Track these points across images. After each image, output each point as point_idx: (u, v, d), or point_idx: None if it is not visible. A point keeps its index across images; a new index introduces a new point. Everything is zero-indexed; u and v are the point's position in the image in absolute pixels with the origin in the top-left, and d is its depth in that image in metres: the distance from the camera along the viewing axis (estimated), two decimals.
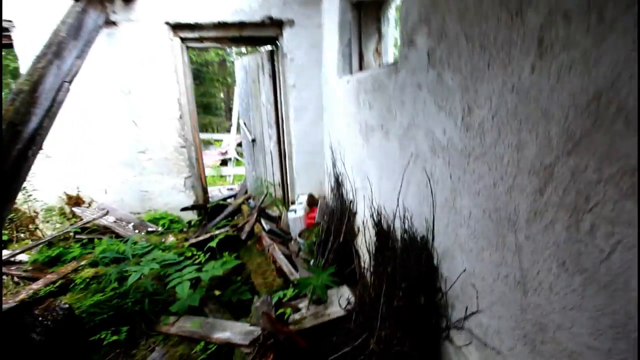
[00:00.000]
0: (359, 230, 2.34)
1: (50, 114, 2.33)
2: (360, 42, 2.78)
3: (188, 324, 2.17)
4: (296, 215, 3.32)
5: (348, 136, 2.59)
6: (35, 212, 3.91)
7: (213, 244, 2.71)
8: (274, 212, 3.89)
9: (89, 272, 2.89)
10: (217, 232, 3.29)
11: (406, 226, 1.50)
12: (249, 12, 3.44)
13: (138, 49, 3.48)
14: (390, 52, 2.76)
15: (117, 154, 3.76)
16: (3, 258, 3.20)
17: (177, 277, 2.20)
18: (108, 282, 2.53)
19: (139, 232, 3.62)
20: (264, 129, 4.11)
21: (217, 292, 2.53)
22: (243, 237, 3.24)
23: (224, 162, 8.65)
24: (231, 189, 5.88)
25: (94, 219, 3.55)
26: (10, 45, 3.55)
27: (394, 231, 1.66)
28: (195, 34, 3.56)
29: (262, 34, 3.60)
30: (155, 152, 3.75)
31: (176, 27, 3.50)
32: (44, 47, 2.37)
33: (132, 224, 3.71)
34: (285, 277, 2.53)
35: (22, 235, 3.90)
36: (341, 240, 2.38)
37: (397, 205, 1.60)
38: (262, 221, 3.60)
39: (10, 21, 3.36)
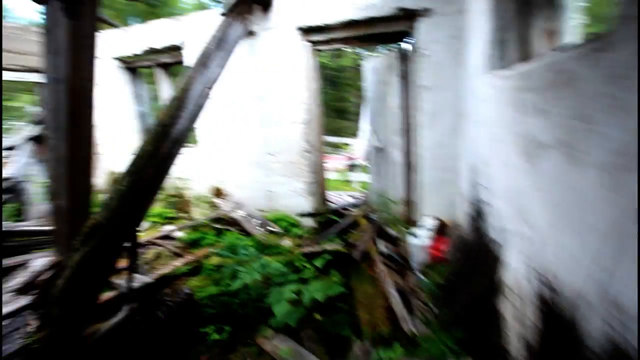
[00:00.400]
0: (507, 289, 1.65)
1: (193, 117, 2.57)
2: (521, 23, 2.01)
3: (281, 347, 2.00)
4: (419, 242, 2.78)
5: (498, 153, 1.90)
6: (190, 198, 4.66)
7: (319, 263, 2.47)
8: (393, 232, 3.43)
9: (215, 260, 3.15)
10: (328, 246, 3.08)
11: (620, 338, 0.83)
12: (379, 5, 3.08)
13: (271, 56, 3.63)
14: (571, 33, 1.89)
15: (251, 154, 4.06)
16: (167, 234, 3.88)
17: (277, 293, 2.06)
18: (223, 277, 2.66)
19: (261, 229, 3.80)
20: (391, 136, 3.69)
21: (317, 316, 2.30)
22: (355, 256, 2.92)
23: (351, 167, 8.64)
24: (354, 197, 5.70)
25: (227, 212, 3.92)
26: (180, 62, 4.32)
27: (582, 327, 0.98)
28: (325, 36, 3.47)
29: (393, 29, 3.19)
30: (282, 155, 3.87)
31: (307, 31, 3.49)
32: (197, 58, 2.65)
33: (258, 221, 3.94)
34: (395, 322, 2.06)
35: (184, 213, 4.73)
36: (477, 295, 1.75)
37: (599, 288, 0.93)
38: (379, 241, 3.20)
39: (182, 42, 4.07)
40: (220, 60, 2.88)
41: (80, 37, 1.91)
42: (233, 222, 3.88)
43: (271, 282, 2.33)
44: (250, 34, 3.62)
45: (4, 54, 3.86)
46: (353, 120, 13.36)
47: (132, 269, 2.25)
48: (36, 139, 4.77)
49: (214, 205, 4.37)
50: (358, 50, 12.39)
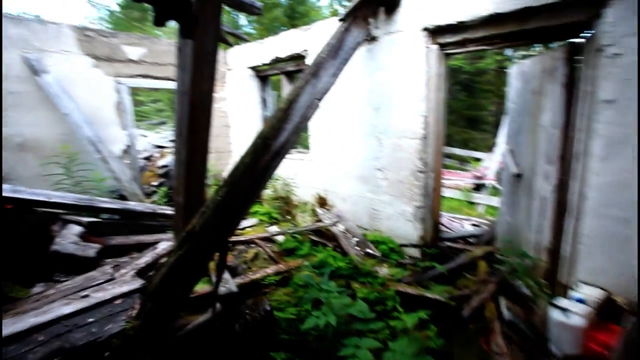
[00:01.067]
0: None
1: (298, 129, 2.46)
2: None
3: None
4: (567, 320, 1.95)
5: None
6: (294, 203, 4.75)
7: (410, 321, 1.97)
8: (526, 291, 2.59)
9: (305, 273, 3.04)
10: (430, 294, 2.53)
11: None
12: None
13: (391, 62, 3.25)
14: None
15: (358, 168, 3.79)
16: (269, 235, 4.03)
17: (353, 347, 1.72)
18: (304, 299, 2.48)
19: (359, 249, 3.50)
20: (539, 162, 2.80)
21: None
22: (465, 314, 2.30)
23: (478, 187, 7.40)
24: (475, 225, 4.76)
25: (327, 225, 3.78)
26: (303, 70, 4.39)
27: None
28: (457, 37, 2.85)
29: (559, 22, 2.34)
30: (390, 172, 3.46)
31: (435, 32, 2.95)
32: (307, 68, 2.54)
33: (356, 239, 3.66)
34: None
35: (288, 217, 4.89)
36: None
37: None
38: (502, 301, 2.45)
39: (305, 50, 4.11)
40: (334, 68, 2.70)
41: (202, 54, 2.00)
42: (331, 237, 3.71)
43: (351, 325, 2.00)
44: (371, 39, 3.34)
45: (159, 66, 4.70)
46: (488, 132, 11.54)
47: (221, 274, 2.31)
48: None
49: (316, 214, 4.32)
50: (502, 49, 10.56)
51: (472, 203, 6.70)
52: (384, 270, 3.15)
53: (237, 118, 5.61)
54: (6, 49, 3.57)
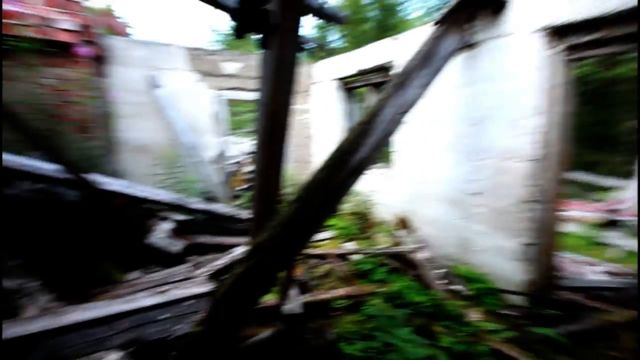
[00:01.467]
0: None
1: (379, 145, 2.22)
2: None
3: None
4: None
5: None
6: (373, 221, 4.45)
7: None
8: None
9: (377, 304, 2.74)
10: None
11: None
12: None
13: (495, 71, 2.74)
14: None
15: (448, 189, 3.32)
16: (344, 252, 3.84)
17: None
18: (372, 335, 2.18)
19: (443, 284, 3.02)
20: None
21: None
22: None
23: (610, 224, 5.90)
24: (609, 274, 3.70)
25: (407, 250, 3.39)
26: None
27: None
28: (589, 37, 2.22)
29: None
30: (489, 199, 2.91)
31: (556, 33, 2.36)
32: (392, 79, 2.28)
33: (442, 271, 3.18)
34: None
35: (365, 235, 4.62)
36: None
37: None
38: None
39: (391, 61, 3.83)
40: (423, 79, 2.39)
41: (280, 65, 1.94)
42: (411, 264, 3.31)
43: None
44: (469, 46, 2.90)
45: (252, 79, 4.96)
46: (622, 154, 9.27)
47: (286, 291, 2.20)
48: None
49: (395, 236, 3.95)
50: None
51: (600, 243, 5.33)
52: (475, 317, 2.63)
53: (320, 130, 5.62)
54: (133, 67, 4.23)
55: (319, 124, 5.59)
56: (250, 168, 6.31)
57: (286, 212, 1.98)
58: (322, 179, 2.01)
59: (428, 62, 2.34)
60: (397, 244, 3.79)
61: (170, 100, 4.28)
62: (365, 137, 2.15)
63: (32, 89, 3.22)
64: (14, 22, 3.10)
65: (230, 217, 3.79)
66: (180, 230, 3.22)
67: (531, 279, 2.70)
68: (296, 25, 1.66)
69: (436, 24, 2.70)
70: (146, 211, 3.21)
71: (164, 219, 3.23)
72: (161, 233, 2.93)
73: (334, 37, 13.23)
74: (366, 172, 2.21)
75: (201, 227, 3.51)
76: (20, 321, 1.76)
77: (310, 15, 2.42)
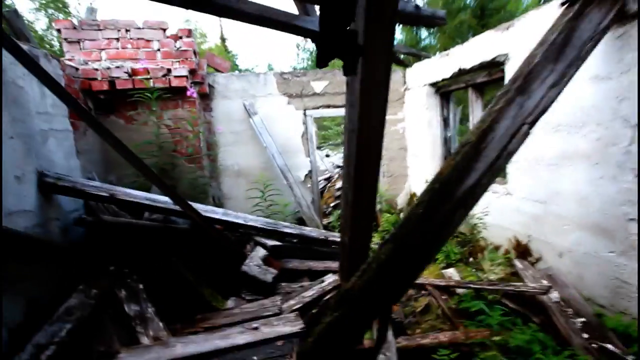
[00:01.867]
0: None
1: (494, 168, 1.79)
2: None
3: None
4: None
5: None
6: (481, 245, 3.80)
7: None
8: None
9: (492, 358, 2.23)
10: None
11: None
12: None
13: None
14: None
15: (590, 212, 2.56)
16: (445, 283, 3.36)
17: None
18: None
19: (586, 338, 2.30)
20: None
21: None
22: None
23: None
24: None
25: (532, 290, 2.72)
26: (499, 80, 3.44)
27: None
28: None
29: None
30: None
31: None
32: (507, 83, 1.82)
33: (582, 320, 2.44)
34: None
35: (471, 259, 3.99)
36: None
37: None
38: None
39: (503, 55, 3.18)
40: (555, 77, 1.85)
41: (370, 87, 1.72)
42: (537, 306, 2.64)
43: None
44: (620, 19, 2.16)
45: (339, 95, 4.84)
46: None
47: (381, 343, 1.93)
48: None
49: (511, 266, 3.26)
50: None
51: None
52: None
53: (415, 140, 5.17)
54: (232, 99, 4.60)
55: (414, 133, 5.15)
56: (340, 184, 6.24)
57: (379, 255, 1.73)
58: (421, 216, 1.69)
59: (561, 53, 1.81)
60: (512, 274, 3.12)
61: (264, 125, 4.50)
62: (474, 161, 1.76)
63: (155, 130, 3.74)
64: (144, 77, 3.67)
65: (320, 240, 3.70)
66: (273, 256, 3.27)
67: None
68: (388, 41, 1.42)
69: (564, 3, 2.11)
70: (241, 237, 3.36)
71: (257, 244, 3.32)
72: (255, 261, 3.00)
73: (423, 34, 12.30)
74: (477, 203, 1.80)
75: (291, 251, 3.50)
76: (137, 350, 1.94)
77: (404, 23, 2.16)
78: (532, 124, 1.83)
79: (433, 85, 4.61)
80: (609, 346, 2.18)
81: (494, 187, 3.65)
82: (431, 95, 4.69)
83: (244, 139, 4.66)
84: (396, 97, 5.14)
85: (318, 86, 4.83)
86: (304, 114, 4.82)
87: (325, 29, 1.29)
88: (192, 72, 4.05)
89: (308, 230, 3.76)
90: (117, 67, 3.63)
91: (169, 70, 3.76)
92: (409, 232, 1.69)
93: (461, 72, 3.95)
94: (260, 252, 3.17)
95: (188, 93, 3.99)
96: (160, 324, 2.18)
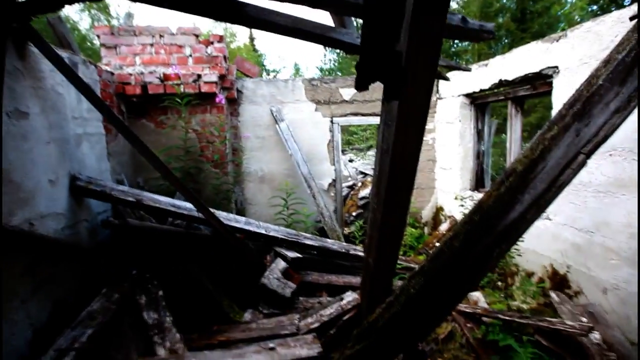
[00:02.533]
0: None
1: (542, 201, 1.62)
2: None
3: None
4: None
5: None
6: (513, 269, 3.56)
7: None
8: None
9: None
10: None
11: None
12: None
13: None
14: None
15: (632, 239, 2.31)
16: (471, 309, 3.16)
17: None
18: None
19: None
20: None
21: None
22: None
23: None
24: None
25: (572, 329, 2.48)
26: (546, 93, 3.20)
27: None
28: None
29: None
30: None
31: None
32: (563, 106, 1.64)
33: None
34: None
35: (499, 283, 3.75)
36: None
37: None
38: None
39: (552, 68, 2.94)
40: (620, 101, 1.65)
41: (411, 110, 1.61)
42: (573, 348, 2.40)
43: None
44: None
45: (368, 103, 4.70)
46: None
47: None
48: None
49: (545, 296, 3.02)
50: None
51: None
52: None
53: (445, 152, 4.95)
54: (259, 104, 4.59)
55: (445, 145, 4.94)
56: (364, 193, 6.10)
57: (408, 288, 1.61)
58: (458, 250, 1.56)
59: (631, 74, 1.61)
60: (547, 310, 2.88)
61: (290, 132, 4.45)
62: (520, 192, 1.61)
63: (183, 135, 3.78)
64: (175, 82, 3.72)
65: (341, 254, 3.60)
66: (293, 268, 3.20)
67: None
68: (433, 62, 1.30)
69: (634, 17, 1.89)
70: (262, 247, 3.31)
71: (278, 255, 3.26)
72: (275, 273, 2.94)
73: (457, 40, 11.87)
74: (520, 238, 1.65)
75: (311, 263, 3.42)
76: None
77: (451, 38, 2.01)
78: (590, 153, 1.64)
79: (468, 96, 4.40)
80: None
81: None
82: (465, 106, 4.47)
83: (269, 144, 4.63)
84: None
85: (347, 93, 4.72)
86: (331, 122, 4.72)
87: (368, 48, 1.19)
88: (222, 77, 4.06)
89: (330, 243, 3.66)
90: (150, 72, 3.69)
91: (199, 76, 3.78)
92: (442, 266, 1.56)
93: (501, 84, 3.72)
94: (280, 264, 3.11)
95: (217, 100, 4.01)
96: (177, 335, 2.16)
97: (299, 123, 4.62)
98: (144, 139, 2.69)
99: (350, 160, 10.77)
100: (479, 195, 4.27)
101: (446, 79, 2.98)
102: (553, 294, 2.92)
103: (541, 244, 3.24)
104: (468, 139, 4.51)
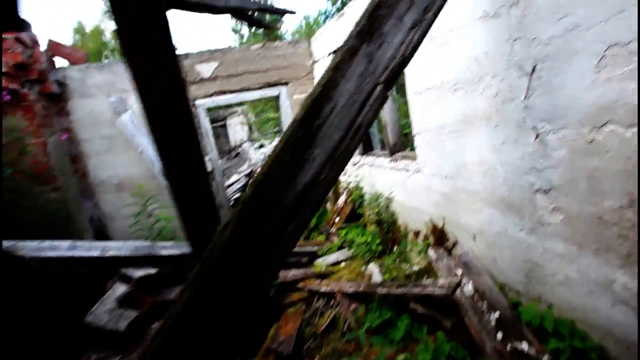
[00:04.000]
0: None
1: (338, 154, 1.23)
2: None
3: None
4: None
5: None
6: (401, 231, 3.39)
7: None
8: None
9: None
10: None
11: None
12: None
13: None
14: None
15: (496, 184, 2.16)
16: (364, 287, 2.88)
17: None
18: None
19: (503, 337, 1.92)
20: None
21: None
22: None
23: None
24: None
25: (442, 282, 2.28)
26: None
27: None
28: None
29: None
30: (569, 199, 1.73)
31: None
32: (355, 24, 1.25)
33: (497, 313, 2.07)
34: None
35: (395, 248, 3.57)
36: None
37: None
38: None
39: None
40: (414, 15, 1.31)
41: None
42: (446, 308, 2.20)
43: None
44: None
45: (234, 77, 4.13)
46: None
47: None
48: None
49: (427, 253, 2.87)
50: None
51: None
52: None
53: None
54: (96, 96, 3.69)
55: None
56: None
57: (178, 303, 1.13)
58: (228, 246, 1.10)
59: None
60: (427, 269, 2.72)
61: (134, 126, 3.66)
62: (308, 147, 1.19)
63: None
64: None
65: None
66: (142, 289, 2.57)
67: None
68: None
69: None
70: (98, 274, 2.61)
71: (122, 277, 2.59)
72: (108, 304, 2.28)
73: None
74: (319, 208, 1.24)
75: (173, 277, 2.82)
76: None
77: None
78: (389, 82, 1.29)
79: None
80: (524, 347, 1.81)
81: (404, 163, 3.22)
82: None
83: (119, 144, 3.80)
84: (304, 73, 4.53)
85: (206, 70, 4.06)
86: (193, 105, 4.04)
87: None
88: (21, 67, 3.10)
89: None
90: None
91: None
92: (209, 274, 1.10)
93: None
94: (119, 289, 2.45)
95: (25, 94, 3.07)
96: None
97: None
98: None
99: (261, 146, 10.19)
100: (368, 159, 4.03)
101: (261, 24, 2.53)
102: (431, 252, 2.76)
103: (419, 200, 3.07)
104: None
